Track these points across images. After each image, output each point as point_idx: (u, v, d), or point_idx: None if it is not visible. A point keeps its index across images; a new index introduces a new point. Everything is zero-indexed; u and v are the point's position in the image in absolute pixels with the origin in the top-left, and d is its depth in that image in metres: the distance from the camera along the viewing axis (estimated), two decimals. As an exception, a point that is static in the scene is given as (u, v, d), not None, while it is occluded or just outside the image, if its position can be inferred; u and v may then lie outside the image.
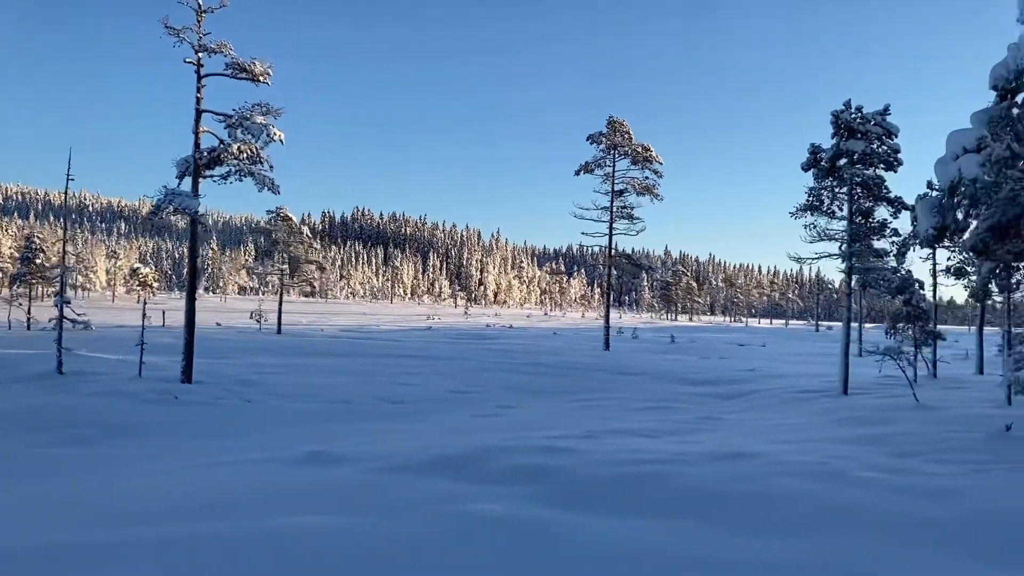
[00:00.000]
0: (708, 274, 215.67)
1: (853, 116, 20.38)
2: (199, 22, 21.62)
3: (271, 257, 51.53)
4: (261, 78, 22.22)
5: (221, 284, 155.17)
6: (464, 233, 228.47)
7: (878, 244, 21.87)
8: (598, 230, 45.89)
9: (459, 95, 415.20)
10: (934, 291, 28.75)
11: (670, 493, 9.09)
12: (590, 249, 44.93)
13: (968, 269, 26.50)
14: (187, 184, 22.48)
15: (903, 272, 22.37)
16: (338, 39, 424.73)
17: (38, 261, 46.41)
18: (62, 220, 33.73)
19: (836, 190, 21.14)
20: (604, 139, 44.19)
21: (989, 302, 28.70)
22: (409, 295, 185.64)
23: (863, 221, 20.84)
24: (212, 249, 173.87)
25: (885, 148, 20.39)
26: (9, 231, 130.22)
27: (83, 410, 16.84)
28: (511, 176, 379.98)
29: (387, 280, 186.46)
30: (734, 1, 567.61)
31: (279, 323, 50.78)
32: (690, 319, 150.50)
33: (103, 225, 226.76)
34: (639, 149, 43.89)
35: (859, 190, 20.63)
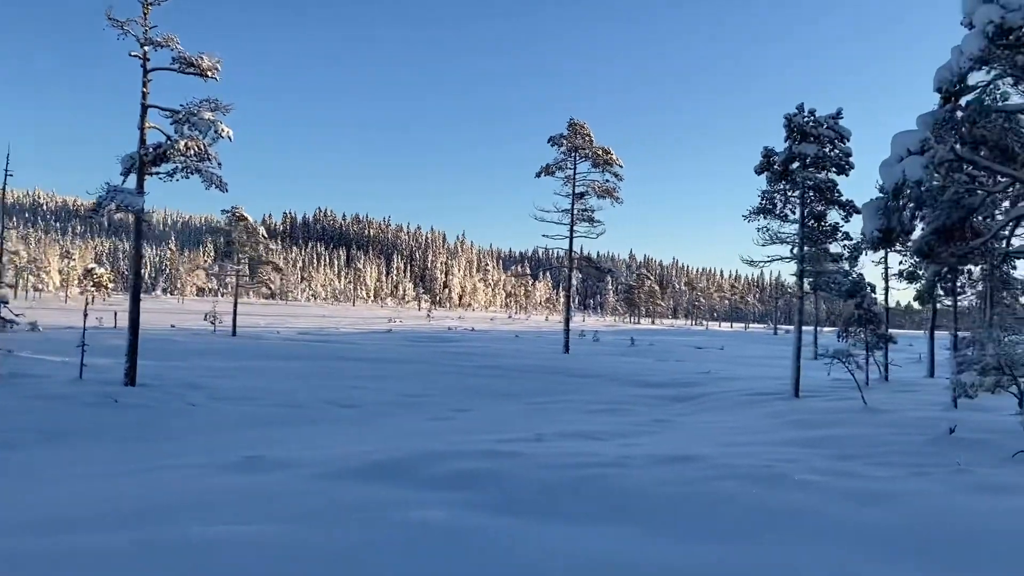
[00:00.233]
0: (672, 278, 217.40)
1: (806, 119, 20.48)
2: (145, 14, 21.06)
3: (230, 258, 50.71)
4: (209, 73, 21.71)
5: (179, 285, 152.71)
6: (429, 235, 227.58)
7: (830, 248, 22.01)
8: (559, 232, 45.88)
9: (423, 97, 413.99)
10: (886, 295, 29.09)
11: (613, 497, 8.99)
12: (555, 252, 44.83)
13: (920, 272, 26.82)
14: (132, 181, 21.86)
15: (854, 276, 22.54)
16: (296, 40, 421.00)
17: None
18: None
19: (789, 193, 21.24)
20: (565, 141, 44.14)
21: (940, 306, 29.19)
22: (372, 297, 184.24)
23: (815, 224, 20.95)
24: (170, 250, 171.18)
25: (837, 152, 20.53)
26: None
27: (15, 413, 16.25)
28: (477, 179, 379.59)
29: (349, 282, 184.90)
30: (693, 5, 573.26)
31: (234, 325, 49.91)
32: (652, 322, 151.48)
33: (58, 224, 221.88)
34: (600, 152, 43.89)
35: (811, 193, 20.73)
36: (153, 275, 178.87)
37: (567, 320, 46.54)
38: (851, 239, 21.35)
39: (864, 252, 21.55)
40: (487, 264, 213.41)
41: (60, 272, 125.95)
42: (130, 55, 21.22)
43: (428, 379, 28.28)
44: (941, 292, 20.31)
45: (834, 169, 20.57)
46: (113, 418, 16.91)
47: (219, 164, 22.33)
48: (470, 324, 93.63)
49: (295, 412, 19.74)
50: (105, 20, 20.48)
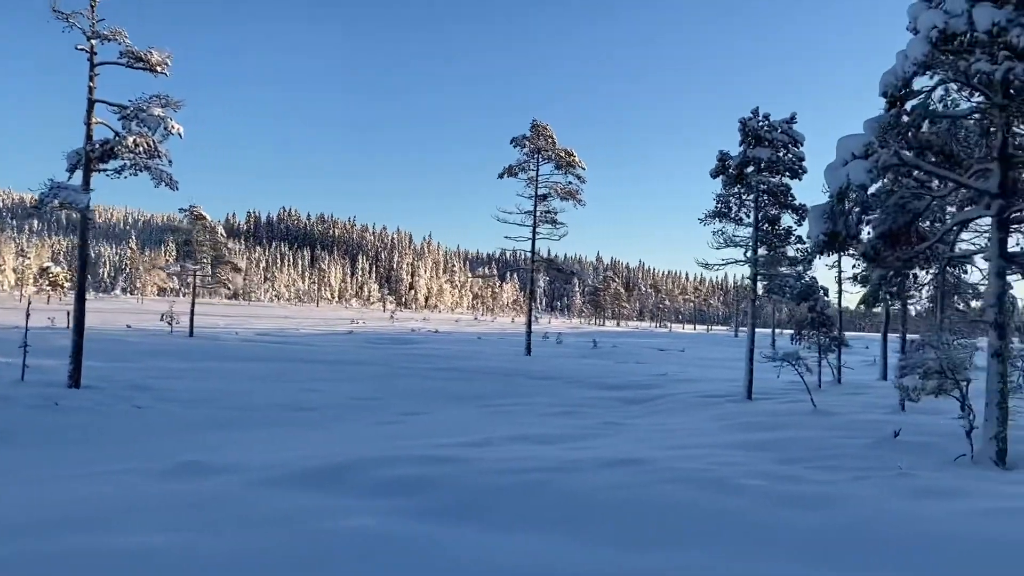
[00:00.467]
0: (638, 280, 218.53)
1: (760, 124, 20.58)
2: (92, 7, 20.56)
3: (191, 258, 49.86)
4: (159, 68, 21.26)
5: (139, 285, 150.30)
6: (395, 236, 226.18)
7: (784, 251, 22.15)
8: (522, 234, 45.79)
9: (391, 97, 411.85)
10: (839, 298, 29.40)
11: (554, 503, 8.91)
12: (522, 254, 44.72)
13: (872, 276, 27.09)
14: (79, 178, 21.31)
15: (807, 279, 22.71)
16: (261, 36, 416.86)
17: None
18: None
19: (743, 197, 21.32)
20: (527, 143, 44.05)
21: (896, 309, 29.55)
22: (337, 298, 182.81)
23: (770, 228, 21.07)
24: (131, 249, 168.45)
25: (791, 156, 20.64)
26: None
27: (-53, 416, 15.70)
28: (445, 180, 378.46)
29: (313, 283, 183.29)
30: (657, 7, 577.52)
31: (191, 325, 49.10)
32: (618, 324, 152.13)
33: (14, 222, 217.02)
34: (562, 154, 43.87)
35: (765, 197, 20.84)
36: (112, 274, 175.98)
37: (529, 322, 46.46)
38: (804, 243, 21.48)
39: (817, 256, 21.62)
40: (454, 265, 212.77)
41: (15, 271, 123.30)
42: (76, 49, 20.71)
43: (384, 382, 28.00)
44: (887, 296, 20.51)
45: (788, 173, 20.70)
46: (52, 422, 16.43)
47: (169, 162, 21.88)
48: (434, 326, 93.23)
49: (245, 415, 19.37)
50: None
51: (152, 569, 6.16)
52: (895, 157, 10.94)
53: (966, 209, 13.00)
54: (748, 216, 21.51)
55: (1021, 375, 30.53)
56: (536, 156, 44.57)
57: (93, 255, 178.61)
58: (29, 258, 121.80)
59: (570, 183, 44.59)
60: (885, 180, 14.27)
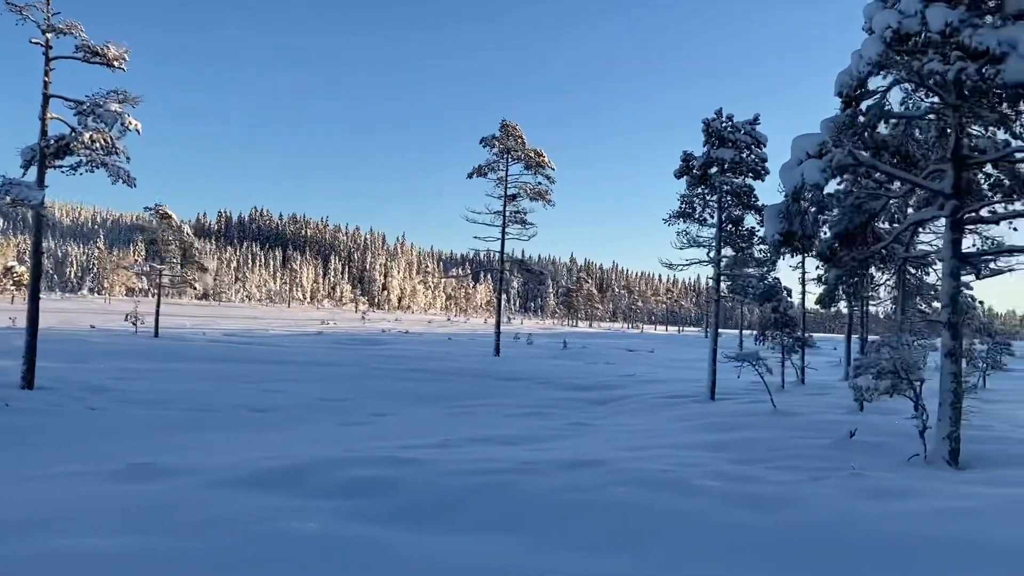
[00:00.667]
0: (611, 282, 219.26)
1: (724, 124, 20.64)
2: (47, 0, 20.13)
3: (158, 257, 49.08)
4: (116, 63, 20.86)
5: (106, 285, 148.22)
6: (368, 236, 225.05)
7: (751, 252, 22.22)
8: (491, 234, 45.70)
9: (364, 97, 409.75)
10: (803, 299, 29.54)
11: (510, 505, 8.83)
12: (494, 255, 44.47)
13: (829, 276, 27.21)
14: (34, 174, 20.86)
15: (770, 280, 22.79)
16: (236, 37, 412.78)
17: None
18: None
19: (707, 198, 21.36)
20: (497, 143, 43.92)
21: (862, 309, 29.83)
22: (309, 299, 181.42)
23: (733, 229, 21.13)
24: (98, 248, 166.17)
25: (754, 157, 20.71)
26: None
27: None
28: (419, 180, 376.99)
29: (285, 283, 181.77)
30: (631, 8, 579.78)
31: (156, 326, 48.35)
32: (590, 325, 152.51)
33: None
34: (532, 154, 43.80)
35: (729, 198, 20.89)
36: (80, 274, 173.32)
37: (498, 323, 46.34)
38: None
39: (774, 255, 21.75)
40: (427, 266, 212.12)
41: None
42: (31, 42, 20.27)
43: (350, 382, 27.73)
44: (844, 295, 20.67)
45: (751, 174, 20.76)
46: (0, 423, 16.02)
47: (127, 158, 21.48)
48: (405, 327, 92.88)
49: (204, 416, 19.06)
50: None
51: (95, 572, 5.99)
52: (849, 157, 10.95)
53: (921, 210, 13.07)
54: (712, 217, 21.56)
55: (981, 375, 30.99)
56: (506, 156, 44.47)
57: (60, 254, 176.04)
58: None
59: (540, 183, 44.60)
60: (845, 181, 14.37)
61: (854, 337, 29.65)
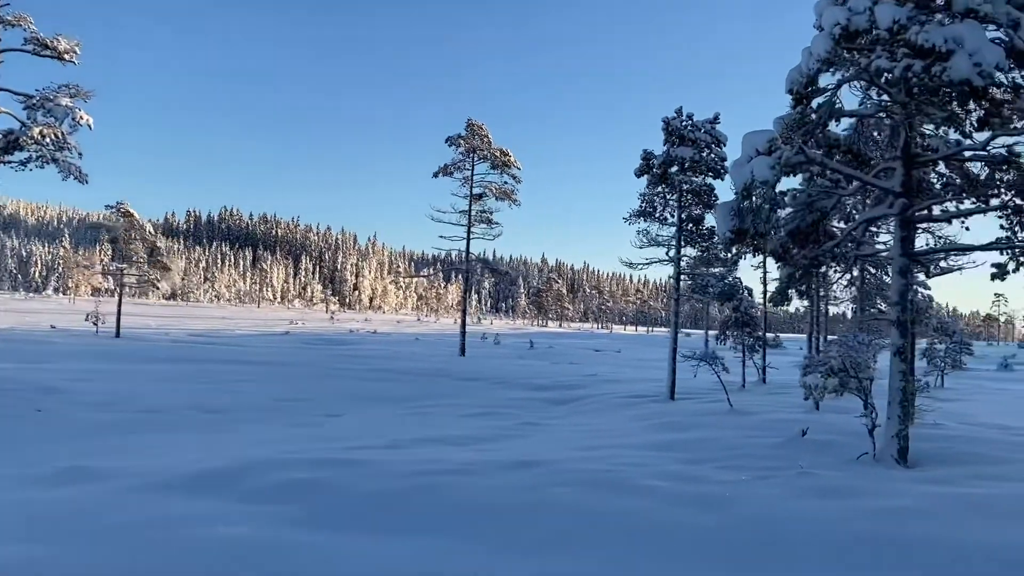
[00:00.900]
0: (583, 282, 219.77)
1: (683, 123, 20.59)
2: (-7, -9, 19.64)
3: (134, 258, 48.15)
4: (67, 56, 20.38)
5: (72, 284, 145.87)
6: (339, 236, 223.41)
7: (716, 252, 22.20)
8: (457, 234, 45.42)
9: (336, 96, 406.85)
10: (764, 299, 29.55)
11: (447, 507, 8.66)
12: (466, 255, 44.06)
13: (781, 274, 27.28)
14: (-19, 170, 20.33)
15: (730, 279, 22.79)
16: (203, 31, 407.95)
17: None
18: None
19: (668, 196, 21.29)
20: (463, 142, 43.67)
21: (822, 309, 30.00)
22: (279, 299, 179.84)
23: (694, 228, 21.08)
24: (64, 247, 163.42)
25: (714, 156, 20.68)
26: None
27: None
28: (391, 181, 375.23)
29: (255, 283, 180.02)
30: (603, 5, 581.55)
31: (117, 326, 47.52)
32: (560, 326, 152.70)
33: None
34: (498, 153, 43.62)
35: (689, 197, 20.85)
36: (44, 273, 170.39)
37: (463, 322, 46.13)
38: (726, 242, 21.48)
39: (732, 254, 21.76)
40: (399, 266, 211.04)
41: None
42: (-24, 34, 19.76)
43: (310, 382, 27.38)
44: (797, 294, 20.70)
45: (710, 173, 20.73)
46: (-63, 425, 15.52)
47: (79, 154, 21.02)
48: (374, 327, 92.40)
49: (154, 418, 18.61)
50: None
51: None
52: (800, 154, 10.87)
53: (871, 208, 13.06)
54: (672, 216, 21.51)
55: (939, 374, 31.29)
56: (471, 155, 44.23)
57: (25, 254, 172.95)
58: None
59: (506, 183, 44.43)
60: (802, 179, 14.33)
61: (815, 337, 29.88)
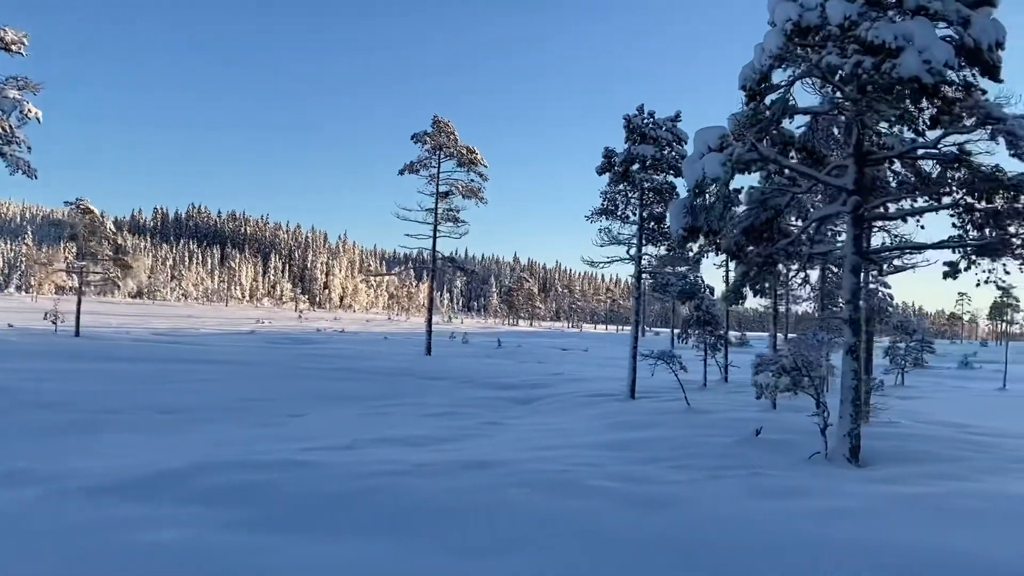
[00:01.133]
0: (554, 281, 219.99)
1: (645, 121, 20.53)
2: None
3: (95, 255, 47.18)
4: (14, 47, 19.86)
5: (34, 282, 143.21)
6: (309, 235, 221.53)
7: (682, 251, 22.14)
8: (424, 232, 45.10)
9: (308, 95, 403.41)
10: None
11: (399, 508, 8.53)
12: (432, 253, 43.65)
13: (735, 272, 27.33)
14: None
15: (692, 278, 22.79)
16: (170, 32, 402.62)
17: None
18: None
19: (630, 195, 21.23)
20: (429, 139, 43.34)
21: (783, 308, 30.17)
22: (248, 298, 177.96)
23: (655, 226, 21.03)
24: (26, 245, 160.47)
25: (675, 154, 20.65)
26: None
27: None
28: (362, 179, 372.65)
29: (223, 282, 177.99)
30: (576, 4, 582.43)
31: (77, 325, 46.61)
32: (531, 325, 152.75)
33: None
34: (464, 151, 43.35)
35: (650, 195, 20.79)
36: (6, 271, 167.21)
37: (429, 321, 45.84)
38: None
39: (705, 255, 21.75)
40: (370, 265, 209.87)
41: None
42: (-80, 24, 19.19)
43: (272, 382, 26.97)
44: (752, 292, 20.72)
45: (672, 171, 20.71)
46: None
47: (28, 148, 20.49)
48: (343, 326, 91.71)
49: (107, 419, 18.16)
50: None
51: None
52: (752, 151, 10.80)
53: (823, 206, 13.05)
54: (634, 214, 21.46)
55: (900, 372, 31.58)
56: (438, 153, 43.90)
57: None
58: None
59: (472, 181, 44.16)
60: (760, 176, 14.29)
61: (780, 336, 30.02)
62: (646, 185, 20.47)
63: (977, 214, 11.18)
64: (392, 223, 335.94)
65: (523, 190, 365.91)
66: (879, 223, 15.33)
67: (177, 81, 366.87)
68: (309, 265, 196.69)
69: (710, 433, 13.35)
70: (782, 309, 25.97)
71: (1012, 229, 10.64)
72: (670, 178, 20.88)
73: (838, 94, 11.75)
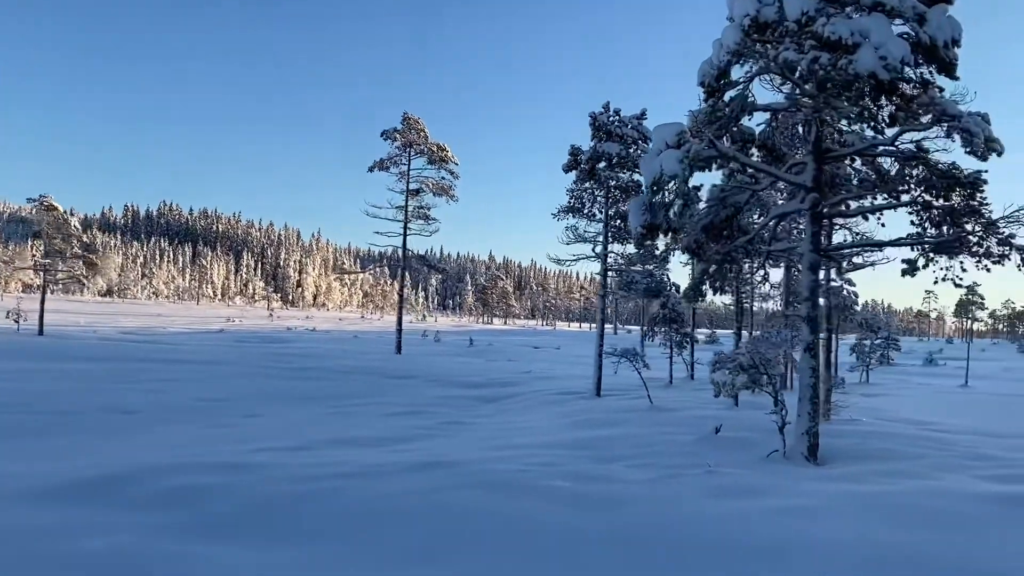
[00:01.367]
0: (530, 279, 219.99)
1: (610, 119, 20.41)
2: None
3: (61, 253, 46.25)
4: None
5: (1, 280, 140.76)
6: (282, 232, 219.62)
7: (652, 249, 22.07)
8: (394, 230, 44.71)
9: (280, 92, 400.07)
10: (694, 295, 29.69)
11: (343, 512, 8.31)
12: (403, 251, 43.26)
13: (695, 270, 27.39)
14: None
15: (657, 276, 22.74)
16: (143, 30, 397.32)
17: None
18: None
19: (596, 192, 21.12)
20: (399, 136, 42.95)
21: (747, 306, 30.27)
22: (220, 296, 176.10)
23: (622, 224, 20.93)
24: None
25: (640, 152, 20.55)
26: None
27: None
28: (333, 177, 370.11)
29: (194, 280, 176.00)
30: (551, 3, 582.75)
31: (40, 323, 45.72)
32: (505, 323, 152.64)
33: None
34: (434, 148, 43.02)
35: (616, 193, 20.68)
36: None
37: (399, 319, 45.49)
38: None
39: (672, 253, 21.72)
40: (344, 263, 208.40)
41: None
42: None
43: (236, 382, 26.57)
44: (712, 289, 20.74)
45: (637, 169, 20.60)
46: None
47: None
48: (314, 324, 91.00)
49: (62, 420, 17.73)
50: None
51: None
52: (711, 148, 10.70)
53: (784, 203, 13.00)
54: (600, 212, 21.35)
55: (864, 370, 31.77)
56: (408, 150, 43.53)
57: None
58: None
59: (443, 178, 43.86)
60: (723, 174, 14.21)
61: (745, 333, 30.11)
62: (612, 183, 20.36)
63: (935, 211, 11.18)
64: (366, 221, 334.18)
65: (499, 189, 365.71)
66: (840, 221, 15.34)
67: (148, 78, 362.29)
68: (282, 263, 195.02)
69: (672, 431, 13.25)
70: (752, 307, 26.04)
71: (968, 227, 10.63)
72: (636, 176, 20.77)
73: (797, 91, 11.69)
